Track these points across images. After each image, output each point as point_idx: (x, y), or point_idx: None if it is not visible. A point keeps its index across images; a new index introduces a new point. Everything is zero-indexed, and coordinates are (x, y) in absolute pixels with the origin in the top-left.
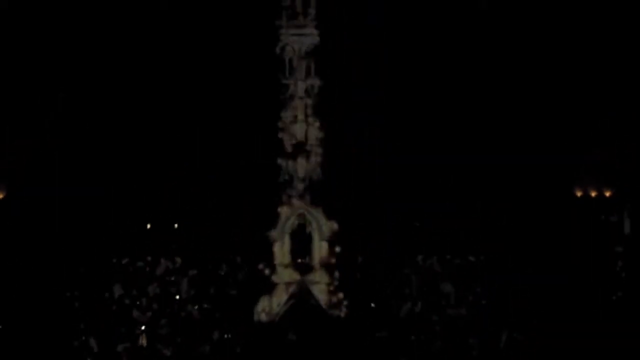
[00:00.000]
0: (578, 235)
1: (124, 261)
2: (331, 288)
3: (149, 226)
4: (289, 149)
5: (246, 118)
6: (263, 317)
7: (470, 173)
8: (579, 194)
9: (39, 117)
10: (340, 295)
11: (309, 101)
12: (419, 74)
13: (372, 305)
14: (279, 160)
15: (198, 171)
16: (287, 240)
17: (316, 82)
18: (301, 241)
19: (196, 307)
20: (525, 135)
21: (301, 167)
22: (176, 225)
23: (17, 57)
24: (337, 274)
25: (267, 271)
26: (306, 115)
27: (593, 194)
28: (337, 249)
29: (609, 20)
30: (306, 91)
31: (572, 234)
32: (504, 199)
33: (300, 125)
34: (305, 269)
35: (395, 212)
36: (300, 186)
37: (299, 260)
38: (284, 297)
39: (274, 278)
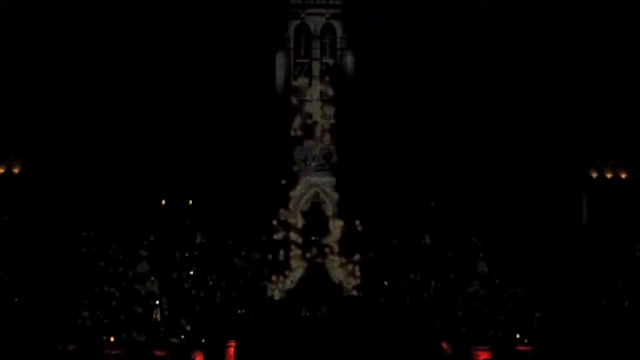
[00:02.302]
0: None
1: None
2: (346, 266)
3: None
4: (303, 128)
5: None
6: (276, 295)
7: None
8: (594, 175)
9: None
10: (355, 273)
11: (324, 81)
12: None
13: (385, 283)
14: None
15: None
16: (300, 217)
17: (331, 61)
18: (315, 219)
19: (210, 283)
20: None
21: (316, 145)
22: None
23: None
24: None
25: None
26: (321, 94)
27: (609, 175)
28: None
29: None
30: (321, 71)
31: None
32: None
33: (316, 104)
34: (319, 246)
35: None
36: (314, 164)
37: (313, 238)
38: (298, 275)
39: (288, 256)
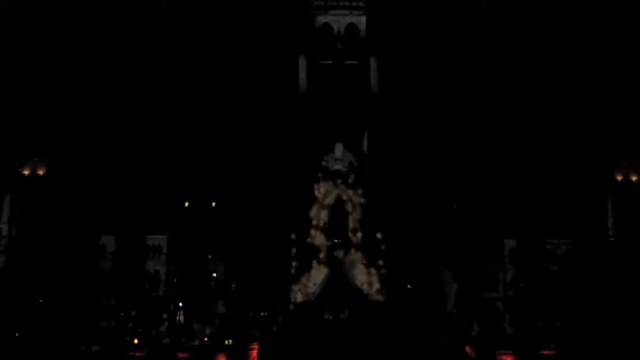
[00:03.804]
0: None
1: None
2: (369, 269)
3: None
4: (327, 129)
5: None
6: (299, 297)
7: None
8: (619, 177)
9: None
10: (378, 276)
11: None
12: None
13: (409, 286)
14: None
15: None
16: (324, 220)
17: (354, 63)
18: (338, 222)
19: (233, 285)
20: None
21: (338, 147)
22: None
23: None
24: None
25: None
26: (345, 95)
27: (634, 178)
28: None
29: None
30: (345, 73)
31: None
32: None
33: (339, 106)
34: (342, 249)
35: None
36: (336, 166)
37: (336, 241)
38: (321, 277)
39: (311, 258)
